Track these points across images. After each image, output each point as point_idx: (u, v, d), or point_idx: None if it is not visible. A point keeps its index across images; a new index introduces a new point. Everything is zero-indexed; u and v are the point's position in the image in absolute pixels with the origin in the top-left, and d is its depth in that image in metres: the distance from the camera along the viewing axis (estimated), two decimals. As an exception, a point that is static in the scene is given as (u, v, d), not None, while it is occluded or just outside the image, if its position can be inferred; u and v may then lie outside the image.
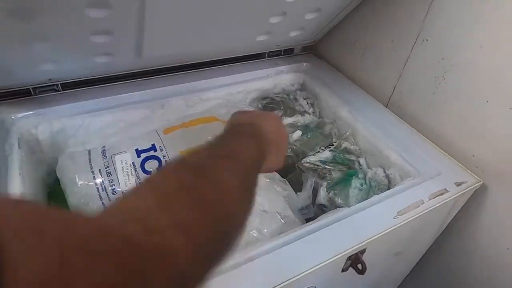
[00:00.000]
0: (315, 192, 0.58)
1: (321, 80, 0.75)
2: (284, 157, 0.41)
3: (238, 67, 0.73)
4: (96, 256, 0.15)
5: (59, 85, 0.57)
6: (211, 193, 0.25)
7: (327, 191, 0.57)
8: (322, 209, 0.56)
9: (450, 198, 0.50)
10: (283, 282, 0.38)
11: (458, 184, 0.53)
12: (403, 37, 0.62)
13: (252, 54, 0.74)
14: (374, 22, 0.67)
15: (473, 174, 0.55)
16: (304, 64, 0.79)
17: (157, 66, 0.63)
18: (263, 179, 0.55)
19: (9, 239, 0.13)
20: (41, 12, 0.39)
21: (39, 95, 0.57)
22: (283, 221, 0.49)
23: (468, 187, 0.53)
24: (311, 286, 0.43)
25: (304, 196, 0.55)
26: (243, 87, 0.72)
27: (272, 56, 0.79)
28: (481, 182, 0.54)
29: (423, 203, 0.49)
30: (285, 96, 0.75)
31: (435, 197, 0.50)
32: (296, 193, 0.55)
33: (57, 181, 0.53)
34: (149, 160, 0.53)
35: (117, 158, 0.52)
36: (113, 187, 0.50)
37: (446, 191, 0.51)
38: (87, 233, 0.16)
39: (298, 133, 0.66)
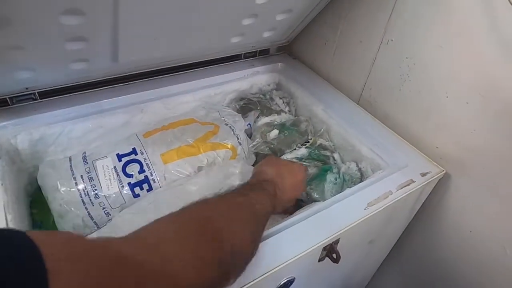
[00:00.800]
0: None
1: (296, 79, 0.78)
2: (295, 202, 0.52)
3: (215, 69, 0.74)
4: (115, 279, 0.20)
5: (36, 93, 0.58)
6: (225, 233, 0.31)
7: (304, 186, 0.60)
8: (299, 204, 0.59)
9: (416, 188, 0.54)
10: (264, 274, 0.40)
11: (423, 175, 0.57)
12: (370, 37, 0.65)
13: (229, 56, 0.76)
14: (343, 23, 0.70)
15: (437, 165, 0.59)
16: (279, 64, 0.81)
17: (135, 71, 0.64)
18: (241, 176, 0.57)
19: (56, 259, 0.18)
20: (15, 20, 0.40)
21: (16, 105, 0.57)
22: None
23: (432, 177, 0.57)
24: (290, 277, 0.46)
25: None
26: (221, 89, 0.74)
27: (248, 57, 0.81)
28: (444, 172, 0.59)
29: (391, 193, 0.52)
30: (261, 96, 0.78)
31: (402, 188, 0.53)
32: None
33: (38, 189, 0.53)
34: (130, 164, 0.54)
35: (98, 163, 0.53)
36: (96, 191, 0.51)
37: (413, 181, 0.55)
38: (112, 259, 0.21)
39: (275, 132, 0.68)
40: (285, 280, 0.45)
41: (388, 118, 0.67)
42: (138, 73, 0.65)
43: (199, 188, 0.53)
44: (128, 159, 0.54)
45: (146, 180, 0.54)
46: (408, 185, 0.54)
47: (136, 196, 0.53)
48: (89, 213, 0.51)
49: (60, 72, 0.55)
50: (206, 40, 0.64)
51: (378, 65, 0.66)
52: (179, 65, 0.69)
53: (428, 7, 0.55)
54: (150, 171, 0.54)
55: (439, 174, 0.58)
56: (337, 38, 0.72)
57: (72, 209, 0.50)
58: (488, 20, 0.48)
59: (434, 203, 0.64)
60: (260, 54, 0.82)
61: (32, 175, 0.56)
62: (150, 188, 0.54)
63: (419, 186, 0.55)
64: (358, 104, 0.72)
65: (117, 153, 0.54)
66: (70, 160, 0.54)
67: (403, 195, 0.53)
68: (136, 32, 0.51)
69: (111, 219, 0.51)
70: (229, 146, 0.61)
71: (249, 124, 0.71)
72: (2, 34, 0.41)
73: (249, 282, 0.39)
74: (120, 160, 0.54)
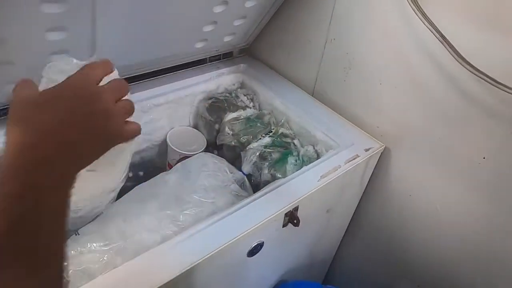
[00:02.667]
0: (259, 171, 0.70)
1: (257, 78, 0.87)
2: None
3: (184, 73, 0.82)
4: None
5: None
6: None
7: (268, 169, 0.69)
8: (265, 185, 0.68)
9: (361, 161, 0.65)
10: (237, 236, 0.49)
11: (367, 150, 0.68)
12: (316, 37, 0.76)
13: (196, 61, 0.85)
14: (293, 26, 0.80)
15: (378, 141, 0.70)
16: (242, 65, 0.90)
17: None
18: (214, 165, 0.65)
19: None
20: (7, 41, 0.46)
21: (3, 117, 0.63)
22: (233, 194, 0.61)
23: (374, 151, 0.68)
24: (259, 241, 0.55)
25: (246, 168, 0.67)
26: (190, 90, 0.82)
27: (213, 60, 0.89)
28: (384, 146, 0.70)
29: (340, 167, 0.63)
30: (227, 94, 0.87)
31: (349, 162, 0.64)
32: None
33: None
34: None
35: None
36: None
37: (358, 156, 0.66)
38: None
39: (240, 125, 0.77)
40: (255, 244, 0.54)
41: (337, 105, 0.77)
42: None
43: None
44: None
45: None
46: (354, 159, 0.65)
47: None
48: None
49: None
50: (172, 46, 0.72)
51: (325, 61, 0.77)
52: (151, 71, 0.77)
53: (359, 11, 0.66)
54: None
55: (380, 149, 0.69)
56: (290, 39, 0.82)
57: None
58: (403, 19, 0.59)
59: (380, 175, 0.75)
60: (224, 57, 0.91)
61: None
62: None
63: (363, 160, 0.66)
64: (312, 95, 0.82)
65: None
66: None
67: (350, 167, 0.63)
68: (111, 43, 0.58)
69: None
70: None
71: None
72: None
73: (224, 244, 0.48)
74: None
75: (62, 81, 0.31)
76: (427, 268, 0.76)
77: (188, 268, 0.45)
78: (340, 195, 0.69)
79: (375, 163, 0.72)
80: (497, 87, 0.49)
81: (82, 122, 0.30)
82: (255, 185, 0.70)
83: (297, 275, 0.78)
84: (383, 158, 0.72)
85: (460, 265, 0.69)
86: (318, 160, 0.65)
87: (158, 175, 0.62)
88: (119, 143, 0.34)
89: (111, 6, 0.51)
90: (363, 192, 0.79)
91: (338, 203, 0.71)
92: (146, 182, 0.61)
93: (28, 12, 0.46)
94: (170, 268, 0.45)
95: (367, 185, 0.77)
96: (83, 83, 0.32)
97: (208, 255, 0.47)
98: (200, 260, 0.46)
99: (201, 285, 0.50)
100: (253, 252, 0.55)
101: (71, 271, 0.44)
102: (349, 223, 0.87)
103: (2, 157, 0.26)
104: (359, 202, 0.81)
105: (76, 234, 0.48)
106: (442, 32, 0.52)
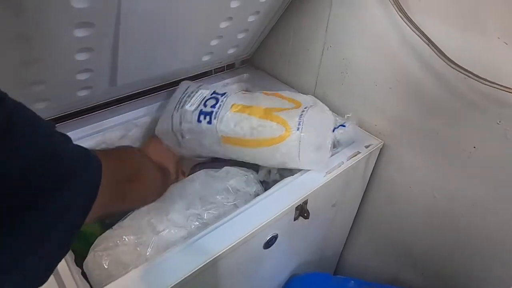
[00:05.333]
0: (269, 172, 0.75)
1: (260, 86, 0.93)
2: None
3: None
4: None
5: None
6: None
7: (277, 169, 0.74)
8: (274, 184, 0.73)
9: (362, 157, 0.70)
10: (253, 229, 0.54)
11: (367, 146, 0.73)
12: (314, 46, 0.82)
13: (202, 73, 0.91)
14: (291, 36, 0.87)
15: (377, 138, 0.76)
16: (245, 75, 0.97)
17: (127, 93, 0.77)
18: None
19: None
20: (39, 62, 0.52)
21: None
22: (251, 195, 0.66)
23: (374, 148, 0.73)
24: (274, 233, 0.60)
25: (261, 174, 0.72)
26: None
27: (218, 72, 0.96)
28: (383, 143, 0.75)
29: (343, 163, 0.68)
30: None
31: (351, 158, 0.69)
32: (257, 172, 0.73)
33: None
34: (211, 99, 0.68)
35: (200, 91, 0.70)
36: (183, 104, 0.70)
37: (359, 152, 0.71)
38: None
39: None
40: (270, 236, 0.59)
41: (337, 107, 0.83)
42: (130, 94, 0.78)
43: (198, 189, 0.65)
44: (214, 96, 0.69)
45: (210, 114, 0.66)
46: (355, 155, 0.70)
47: (198, 121, 0.66)
48: (172, 115, 0.69)
49: (68, 100, 0.67)
50: (183, 60, 0.78)
51: (323, 67, 0.83)
52: (164, 84, 0.83)
53: (352, 20, 0.72)
54: (218, 110, 0.66)
55: (379, 145, 0.74)
56: (289, 49, 0.89)
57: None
58: (392, 25, 0.65)
59: (380, 170, 0.80)
60: (227, 68, 0.97)
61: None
62: (209, 121, 0.66)
63: (364, 156, 0.71)
64: (313, 100, 0.88)
65: (215, 90, 0.70)
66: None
67: (353, 163, 0.68)
68: (131, 60, 0.64)
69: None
70: (287, 125, 0.62)
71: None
72: (27, 71, 0.53)
73: (243, 236, 0.53)
74: (211, 94, 0.69)
75: None
76: (430, 255, 0.80)
77: (212, 258, 0.50)
78: (345, 189, 0.74)
79: (376, 159, 0.78)
80: (480, 82, 0.54)
81: None
82: (265, 184, 0.76)
83: (308, 269, 0.83)
84: (383, 154, 0.78)
85: (458, 250, 0.74)
86: (323, 158, 0.70)
87: (186, 178, 0.68)
88: None
89: (133, 25, 0.56)
90: (366, 187, 0.84)
91: (343, 198, 0.76)
92: (175, 184, 0.67)
93: (63, 60, 0.53)
94: (197, 259, 0.49)
95: (369, 180, 0.82)
96: None
97: (229, 247, 0.52)
98: (222, 252, 0.51)
99: (223, 275, 0.55)
100: (268, 244, 0.60)
101: (108, 261, 0.49)
102: (355, 217, 0.92)
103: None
104: (363, 197, 0.86)
105: (111, 229, 0.53)
106: (428, 35, 0.58)
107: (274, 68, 0.96)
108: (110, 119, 0.75)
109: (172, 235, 0.52)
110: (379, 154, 0.77)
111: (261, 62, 0.99)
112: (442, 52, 0.58)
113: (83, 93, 0.66)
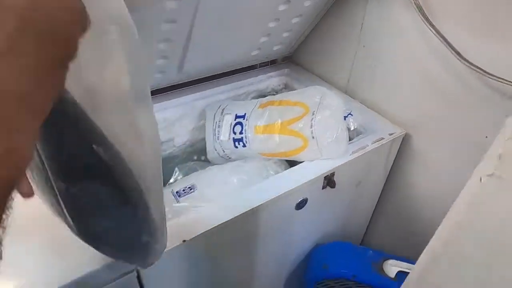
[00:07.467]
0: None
1: (298, 80, 1.06)
2: None
3: (242, 76, 1.03)
4: None
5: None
6: None
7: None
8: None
9: (385, 142, 0.81)
10: (288, 189, 0.67)
11: (390, 134, 0.83)
12: (348, 46, 0.93)
13: (249, 66, 1.05)
14: (329, 36, 0.98)
15: (400, 128, 0.86)
16: (286, 70, 1.10)
17: (187, 80, 0.92)
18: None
19: None
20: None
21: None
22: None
23: (396, 135, 0.83)
24: (304, 197, 0.73)
25: None
26: (245, 89, 1.02)
27: (262, 66, 1.09)
28: (405, 132, 0.85)
29: (367, 146, 0.79)
30: (274, 93, 1.06)
31: (375, 142, 0.80)
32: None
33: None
34: (237, 125, 0.82)
35: (226, 117, 0.84)
36: (219, 135, 0.84)
37: (382, 138, 0.82)
38: None
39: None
40: (301, 199, 0.72)
41: (366, 100, 0.94)
42: (189, 81, 0.94)
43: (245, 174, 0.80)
44: (238, 120, 0.82)
45: (241, 140, 0.81)
46: (379, 140, 0.81)
47: (235, 147, 0.82)
48: (215, 146, 0.85)
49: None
50: (236, 53, 0.92)
51: (356, 64, 0.94)
52: (218, 74, 0.98)
53: (383, 24, 0.83)
54: (246, 135, 0.80)
55: (402, 134, 0.84)
56: (326, 48, 1.01)
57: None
58: (417, 30, 0.75)
59: (403, 158, 0.90)
60: (271, 64, 1.11)
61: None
62: (244, 145, 0.80)
63: (387, 141, 0.81)
64: (345, 93, 0.99)
65: (236, 113, 0.83)
66: (219, 106, 0.88)
67: (376, 147, 0.79)
68: (198, 50, 0.79)
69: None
70: (302, 137, 0.73)
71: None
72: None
73: (279, 194, 0.66)
74: (235, 119, 0.82)
75: None
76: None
77: (253, 207, 0.63)
78: (368, 171, 0.85)
79: (398, 146, 0.88)
80: (492, 79, 0.64)
81: None
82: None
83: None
84: (405, 143, 0.88)
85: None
86: (351, 141, 0.82)
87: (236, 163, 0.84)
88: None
89: (203, 23, 0.71)
90: (388, 175, 0.94)
91: (366, 179, 0.87)
92: (222, 164, 0.83)
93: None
94: (242, 206, 0.63)
95: (391, 168, 0.92)
96: None
97: (268, 200, 0.65)
98: (261, 203, 0.64)
99: (260, 225, 0.69)
100: (299, 205, 0.73)
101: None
102: (376, 204, 1.02)
103: None
104: (385, 182, 0.96)
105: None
106: (447, 39, 0.68)
107: (312, 65, 1.09)
108: (171, 100, 0.91)
109: (222, 197, 0.68)
110: (401, 142, 0.87)
111: (300, 59, 1.12)
112: (460, 53, 0.67)
113: (157, 76, 0.82)
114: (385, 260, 0.81)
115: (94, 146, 0.28)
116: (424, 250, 0.40)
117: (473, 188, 0.30)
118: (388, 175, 0.94)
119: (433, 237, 0.37)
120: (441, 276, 0.37)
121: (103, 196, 0.33)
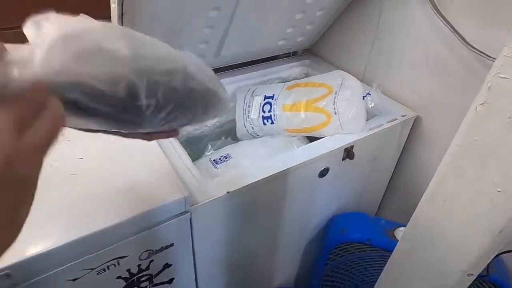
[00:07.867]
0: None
1: (318, 69, 1.16)
2: None
3: (267, 65, 1.14)
4: None
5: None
6: None
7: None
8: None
9: (397, 122, 0.91)
10: (313, 157, 0.77)
11: (403, 116, 0.93)
12: (366, 38, 1.03)
13: (273, 56, 1.16)
14: (347, 29, 1.09)
15: (412, 111, 0.95)
16: (307, 60, 1.20)
17: (221, 65, 1.03)
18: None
19: None
20: (181, 32, 0.79)
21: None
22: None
23: (408, 117, 0.93)
24: (326, 166, 0.82)
25: None
26: (270, 76, 1.13)
27: (285, 57, 1.20)
28: (416, 115, 0.95)
29: (382, 125, 0.89)
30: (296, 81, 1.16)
31: (388, 122, 0.90)
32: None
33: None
34: (266, 104, 0.93)
35: (255, 98, 0.95)
36: (249, 114, 0.96)
37: (396, 119, 0.91)
38: None
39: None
40: (323, 167, 0.82)
41: (382, 87, 1.03)
42: (222, 67, 1.05)
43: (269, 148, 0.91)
44: (267, 100, 0.93)
45: (270, 117, 0.92)
46: (392, 120, 0.91)
47: (264, 124, 0.93)
48: (245, 124, 0.95)
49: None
50: (266, 41, 1.03)
51: (372, 54, 1.04)
52: (248, 61, 1.08)
53: (398, 17, 0.93)
54: (274, 113, 0.91)
55: (413, 116, 0.94)
56: (345, 40, 1.11)
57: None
58: (428, 20, 0.85)
59: (414, 139, 0.99)
60: (292, 55, 1.21)
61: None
62: (272, 122, 0.91)
63: (400, 122, 0.91)
64: (362, 81, 1.09)
65: (265, 94, 0.94)
66: (249, 89, 0.99)
67: (389, 126, 0.89)
68: (235, 37, 0.90)
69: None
70: (326, 112, 0.83)
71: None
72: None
73: (303, 160, 0.76)
74: (264, 100, 0.93)
75: None
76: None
77: (285, 169, 0.73)
78: (383, 147, 0.95)
79: (410, 127, 0.97)
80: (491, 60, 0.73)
81: None
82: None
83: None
84: (416, 124, 0.97)
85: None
86: (369, 120, 0.91)
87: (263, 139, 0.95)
88: None
89: (242, 13, 0.82)
90: (402, 152, 1.03)
91: (381, 156, 0.97)
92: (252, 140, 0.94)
93: (194, 34, 0.80)
94: (275, 168, 0.73)
95: (404, 145, 1.01)
96: None
97: (295, 164, 0.75)
98: (291, 166, 0.74)
99: (289, 188, 0.79)
100: (322, 173, 0.83)
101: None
102: (389, 183, 1.11)
103: None
104: (398, 160, 1.05)
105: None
106: (456, 28, 0.78)
107: (331, 56, 1.19)
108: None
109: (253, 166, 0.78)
110: (413, 124, 0.97)
111: (320, 50, 1.22)
112: (466, 41, 0.77)
113: (196, 60, 0.93)
114: (396, 228, 0.90)
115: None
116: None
117: (471, 116, 0.40)
118: (401, 153, 1.04)
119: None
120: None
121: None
